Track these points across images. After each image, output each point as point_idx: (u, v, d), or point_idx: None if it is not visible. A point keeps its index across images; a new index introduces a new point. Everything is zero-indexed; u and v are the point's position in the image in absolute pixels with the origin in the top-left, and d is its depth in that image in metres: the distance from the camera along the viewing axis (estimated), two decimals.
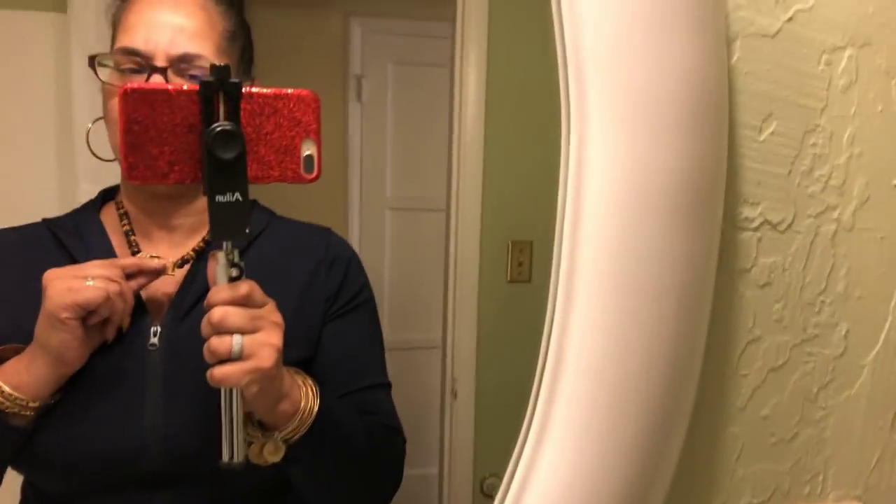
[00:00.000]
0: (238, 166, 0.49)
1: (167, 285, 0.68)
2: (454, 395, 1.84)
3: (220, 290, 0.52)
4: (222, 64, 0.49)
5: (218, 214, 0.49)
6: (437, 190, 2.29)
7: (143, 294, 0.67)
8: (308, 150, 0.52)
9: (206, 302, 0.53)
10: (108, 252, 0.69)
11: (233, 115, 0.49)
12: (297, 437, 0.61)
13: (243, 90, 0.50)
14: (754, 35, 0.61)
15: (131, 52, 0.65)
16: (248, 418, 0.60)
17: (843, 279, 0.64)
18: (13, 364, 0.61)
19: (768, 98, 0.62)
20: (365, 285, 0.79)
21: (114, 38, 0.69)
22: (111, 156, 0.72)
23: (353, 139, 2.47)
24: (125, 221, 0.72)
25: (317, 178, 0.53)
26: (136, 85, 0.48)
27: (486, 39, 1.74)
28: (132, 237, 0.71)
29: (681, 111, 0.54)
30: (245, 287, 0.53)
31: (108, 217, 0.73)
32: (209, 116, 0.49)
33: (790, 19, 0.62)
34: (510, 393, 1.79)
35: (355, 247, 2.66)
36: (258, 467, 0.60)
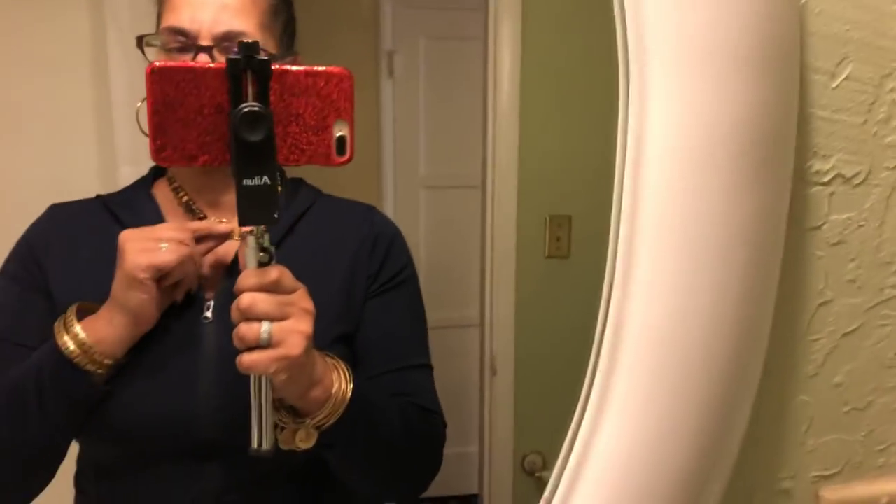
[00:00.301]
0: (266, 149, 0.47)
1: (222, 257, 0.68)
2: (493, 371, 1.82)
3: (249, 275, 0.51)
4: (251, 41, 0.47)
5: (246, 198, 0.48)
6: (472, 167, 2.26)
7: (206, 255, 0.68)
8: (340, 130, 0.50)
9: (235, 287, 0.52)
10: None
11: (261, 94, 0.47)
12: (329, 423, 0.60)
13: (273, 68, 0.48)
14: None
15: (177, 32, 0.65)
16: (280, 404, 0.59)
17: None
18: (91, 322, 0.62)
19: (843, 40, 0.57)
20: (408, 264, 0.77)
21: (160, 18, 0.69)
22: None
23: (386, 116, 2.45)
24: (182, 193, 0.72)
25: (349, 160, 0.51)
26: (161, 63, 0.47)
27: (520, 10, 1.70)
28: (195, 205, 0.72)
29: (748, 55, 0.50)
30: (274, 272, 0.52)
31: (161, 193, 0.74)
32: (237, 96, 0.47)
33: None
34: (550, 369, 1.78)
35: None
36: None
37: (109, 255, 0.62)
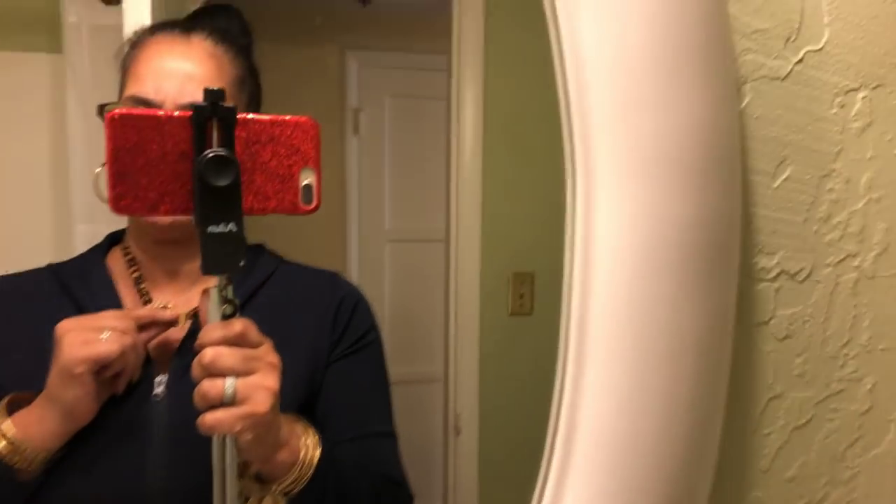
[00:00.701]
0: (232, 195, 0.46)
1: (173, 333, 0.66)
2: (457, 431, 1.80)
3: (213, 328, 0.49)
4: (217, 88, 0.46)
5: (210, 246, 0.46)
6: (436, 222, 2.27)
7: (149, 343, 0.65)
8: (307, 179, 0.49)
9: (197, 342, 0.49)
10: (114, 300, 0.68)
11: (227, 141, 0.46)
12: (296, 489, 0.57)
13: (238, 116, 0.47)
14: (764, 78, 0.59)
15: (141, 102, 0.64)
16: (244, 470, 0.56)
17: (866, 330, 0.61)
18: (23, 416, 0.59)
19: (781, 143, 0.59)
20: (372, 328, 0.76)
21: (123, 86, 0.68)
22: None
23: (351, 172, 2.46)
24: (134, 267, 0.70)
25: (316, 208, 0.50)
26: (124, 110, 0.45)
27: (483, 71, 1.74)
28: (142, 285, 0.70)
29: (693, 160, 0.52)
30: (239, 325, 0.49)
31: (115, 262, 0.72)
32: (201, 143, 0.46)
33: (800, 61, 0.60)
34: (514, 427, 1.76)
35: (354, 279, 2.66)
36: None
37: (53, 338, 0.59)
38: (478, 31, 1.71)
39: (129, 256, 0.71)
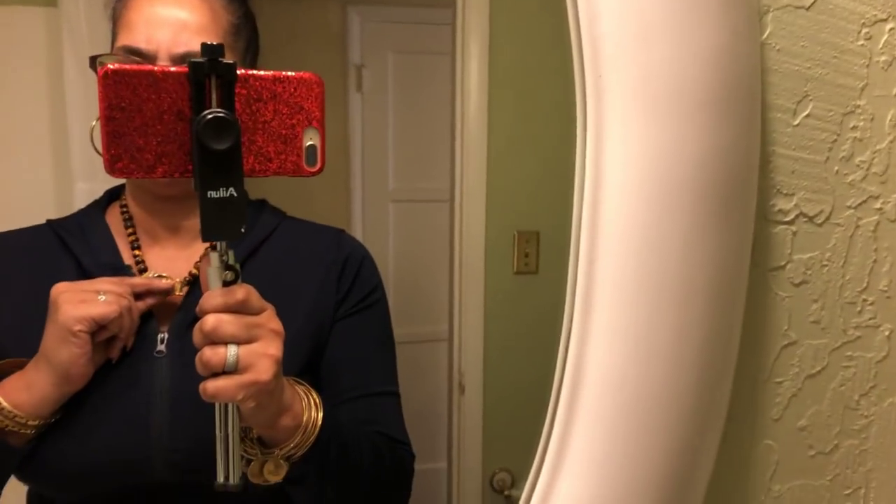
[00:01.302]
0: (232, 158, 0.44)
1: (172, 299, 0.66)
2: (462, 389, 1.80)
3: (213, 295, 0.47)
4: (215, 43, 0.43)
5: (210, 211, 0.44)
6: (441, 181, 2.25)
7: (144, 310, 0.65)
8: (310, 139, 0.47)
9: (198, 308, 0.48)
10: (114, 254, 0.67)
11: (226, 100, 0.44)
12: (299, 453, 0.57)
13: (238, 73, 0.44)
14: (787, 7, 0.56)
15: (133, 52, 0.62)
16: (246, 434, 0.56)
17: (886, 275, 0.59)
18: (14, 380, 0.59)
19: (803, 78, 0.56)
20: (377, 287, 0.75)
21: (114, 35, 0.66)
22: None
23: (354, 130, 2.43)
24: (130, 227, 0.69)
25: (320, 170, 0.48)
26: (116, 66, 0.43)
27: (488, 25, 1.69)
28: (136, 251, 0.69)
29: (709, 95, 0.49)
30: (241, 292, 0.48)
31: (114, 218, 0.71)
32: (200, 102, 0.43)
33: None
34: (518, 386, 1.77)
35: (359, 239, 2.64)
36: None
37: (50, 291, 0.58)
38: None
39: (126, 215, 0.70)
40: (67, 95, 1.39)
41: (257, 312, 0.50)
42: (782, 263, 0.57)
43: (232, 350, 0.47)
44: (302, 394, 0.58)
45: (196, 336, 0.48)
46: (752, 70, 0.52)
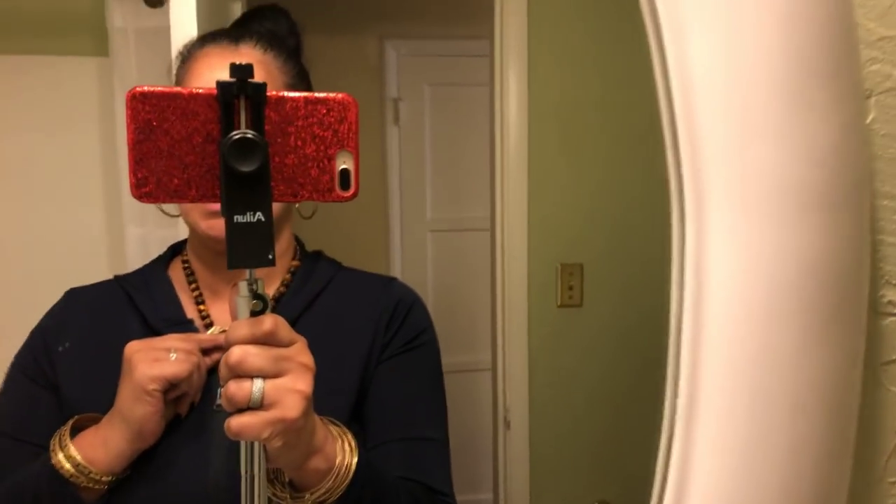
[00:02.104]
0: (260, 181, 0.42)
1: None
2: (507, 425, 1.78)
3: (240, 325, 0.45)
4: (244, 63, 0.42)
5: (236, 237, 0.42)
6: (477, 210, 2.25)
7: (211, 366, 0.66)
8: (344, 163, 0.45)
9: (224, 339, 0.46)
10: (177, 309, 0.69)
11: (255, 122, 0.42)
12: (331, 499, 0.55)
13: (269, 94, 0.43)
14: (890, 91, 0.54)
15: None
16: (277, 477, 0.54)
17: None
18: (90, 436, 0.60)
19: None
20: (426, 330, 0.74)
21: None
22: (176, 211, 0.72)
23: (392, 162, 2.44)
24: (193, 283, 0.71)
25: (354, 195, 0.45)
26: (145, 88, 0.41)
27: (527, 56, 1.69)
28: (201, 305, 0.70)
29: (818, 196, 0.47)
30: (268, 322, 0.45)
31: (177, 272, 0.73)
32: (228, 124, 0.42)
33: None
34: (564, 422, 1.74)
35: (397, 269, 2.65)
36: None
37: (121, 350, 0.60)
38: (521, 14, 1.66)
39: (188, 269, 0.72)
40: (118, 142, 1.43)
41: (286, 345, 0.47)
42: (894, 358, 0.55)
43: (258, 384, 0.45)
44: (336, 435, 0.56)
45: (221, 369, 0.46)
46: (862, 164, 0.50)
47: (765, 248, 0.46)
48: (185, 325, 0.67)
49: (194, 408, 0.64)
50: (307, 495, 0.54)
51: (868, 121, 0.54)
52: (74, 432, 0.61)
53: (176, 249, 0.76)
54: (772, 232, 0.46)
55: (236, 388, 0.45)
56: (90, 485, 0.58)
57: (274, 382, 0.46)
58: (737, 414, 0.46)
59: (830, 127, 0.47)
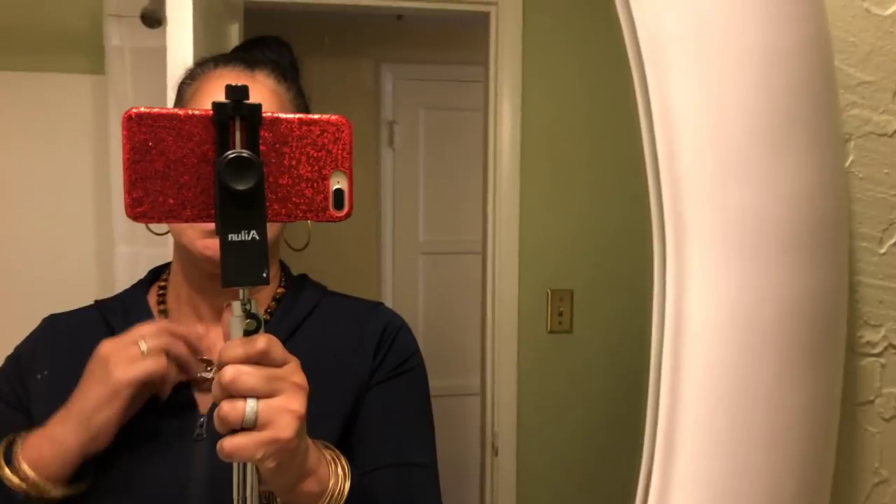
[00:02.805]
0: (255, 200, 0.42)
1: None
2: (495, 451, 1.77)
3: (234, 345, 0.45)
4: (240, 84, 0.43)
5: (230, 255, 0.42)
6: (469, 233, 2.26)
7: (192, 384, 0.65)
8: (338, 183, 0.45)
9: (216, 359, 0.47)
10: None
11: (251, 142, 0.43)
12: None
13: (263, 115, 0.44)
14: (870, 135, 0.55)
15: None
16: (269, 501, 0.54)
17: None
18: (37, 436, 0.58)
19: (888, 205, 0.55)
20: (414, 354, 0.74)
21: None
22: (163, 230, 0.71)
23: (386, 184, 2.45)
24: (162, 311, 0.70)
25: (348, 215, 0.46)
26: (141, 109, 0.42)
27: (521, 84, 1.71)
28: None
29: (797, 236, 0.48)
30: (262, 342, 0.45)
31: (156, 298, 0.72)
32: (223, 144, 0.42)
33: None
34: (552, 448, 1.73)
35: (388, 291, 2.65)
36: None
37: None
38: (515, 42, 1.68)
39: (162, 305, 0.71)
40: (112, 161, 1.42)
41: (280, 364, 0.47)
42: (871, 398, 0.55)
43: (251, 404, 0.44)
44: (329, 459, 0.56)
45: (214, 389, 0.45)
46: (839, 205, 0.51)
47: (744, 287, 0.47)
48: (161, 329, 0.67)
49: (169, 438, 0.62)
50: None
51: (847, 164, 0.55)
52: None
53: (157, 273, 0.75)
54: (751, 272, 0.47)
55: (230, 409, 0.44)
56: (36, 493, 0.57)
57: (267, 402, 0.45)
58: (714, 450, 0.46)
59: (809, 169, 0.48)
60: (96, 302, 0.73)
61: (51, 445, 0.57)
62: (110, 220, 1.42)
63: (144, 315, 0.69)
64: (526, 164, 1.75)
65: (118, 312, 0.70)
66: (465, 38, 2.07)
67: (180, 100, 0.70)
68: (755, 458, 0.47)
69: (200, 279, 0.69)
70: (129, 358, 0.57)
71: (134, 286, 0.74)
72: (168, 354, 0.60)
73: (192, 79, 0.70)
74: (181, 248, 0.68)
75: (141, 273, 0.77)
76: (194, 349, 0.64)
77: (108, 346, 0.59)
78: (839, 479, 0.54)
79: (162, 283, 0.73)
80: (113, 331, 0.67)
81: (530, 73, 1.73)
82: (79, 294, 0.77)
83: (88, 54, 1.49)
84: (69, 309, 0.74)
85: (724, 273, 0.47)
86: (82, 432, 0.57)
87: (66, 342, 0.70)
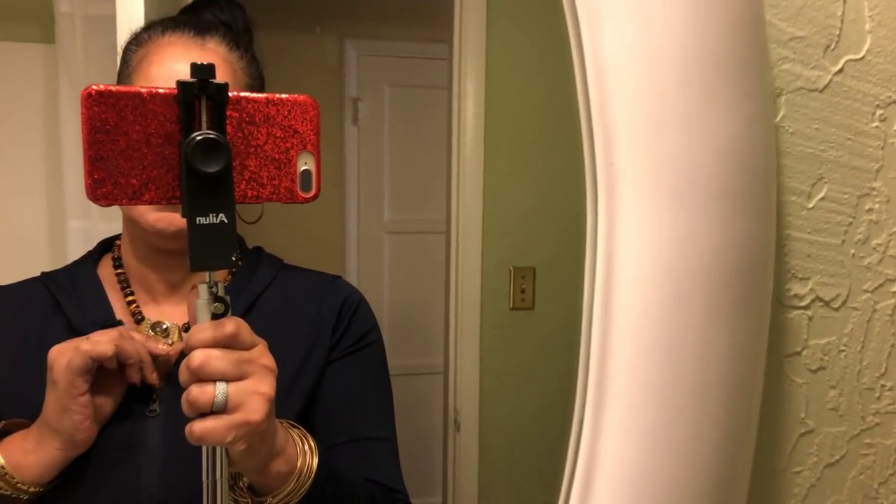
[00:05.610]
0: (223, 182, 0.42)
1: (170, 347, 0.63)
2: (457, 427, 1.78)
3: (202, 328, 0.44)
4: (206, 63, 0.41)
5: (198, 239, 0.42)
6: (435, 213, 2.25)
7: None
8: (305, 164, 0.45)
9: (184, 343, 0.45)
10: (105, 311, 0.66)
11: (217, 122, 0.42)
12: (293, 502, 0.54)
13: (230, 95, 0.42)
14: (800, 90, 0.55)
15: None
16: (237, 481, 0.53)
17: None
18: (19, 441, 0.57)
19: (817, 160, 0.55)
20: (372, 329, 0.73)
21: (127, 81, 0.65)
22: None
23: (350, 162, 2.43)
24: (124, 284, 0.68)
25: (315, 196, 0.46)
26: (101, 87, 0.41)
27: (485, 61, 1.70)
28: (133, 306, 0.67)
29: (725, 182, 0.48)
30: (230, 325, 0.45)
31: (106, 271, 0.69)
32: (189, 124, 0.41)
33: (840, 71, 0.56)
34: (514, 424, 1.74)
35: (353, 271, 2.62)
36: None
37: (43, 355, 0.57)
38: (480, 20, 1.67)
39: (119, 271, 0.68)
40: (62, 132, 1.38)
41: (248, 347, 0.46)
42: (798, 349, 0.56)
43: (221, 388, 0.44)
44: (296, 438, 0.56)
45: (182, 373, 0.45)
46: (768, 156, 0.51)
47: (673, 234, 0.47)
48: (114, 327, 0.64)
49: (121, 414, 0.61)
50: (269, 499, 0.53)
51: (778, 118, 0.55)
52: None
53: (106, 245, 0.73)
54: (680, 219, 0.47)
55: (199, 392, 0.44)
56: (13, 494, 0.56)
57: (237, 385, 0.45)
58: (644, 397, 0.47)
59: (739, 119, 0.48)
60: (42, 274, 0.70)
61: (34, 453, 0.56)
62: (62, 194, 1.38)
63: (94, 288, 0.67)
64: (489, 143, 1.75)
65: (66, 286, 0.68)
66: (431, 14, 2.05)
67: (126, 66, 0.67)
68: (683, 406, 0.47)
69: (150, 254, 0.67)
70: (71, 349, 0.56)
71: (82, 258, 0.72)
72: (120, 348, 0.58)
73: (138, 44, 0.67)
74: (131, 222, 0.66)
75: None
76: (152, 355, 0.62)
77: (55, 350, 0.57)
78: (767, 429, 0.55)
79: (116, 255, 0.70)
80: (58, 304, 0.66)
81: (494, 51, 1.72)
82: (29, 270, 0.74)
83: (38, 22, 1.44)
84: None
85: (655, 221, 0.47)
86: (58, 440, 0.56)
87: (10, 316, 0.67)
